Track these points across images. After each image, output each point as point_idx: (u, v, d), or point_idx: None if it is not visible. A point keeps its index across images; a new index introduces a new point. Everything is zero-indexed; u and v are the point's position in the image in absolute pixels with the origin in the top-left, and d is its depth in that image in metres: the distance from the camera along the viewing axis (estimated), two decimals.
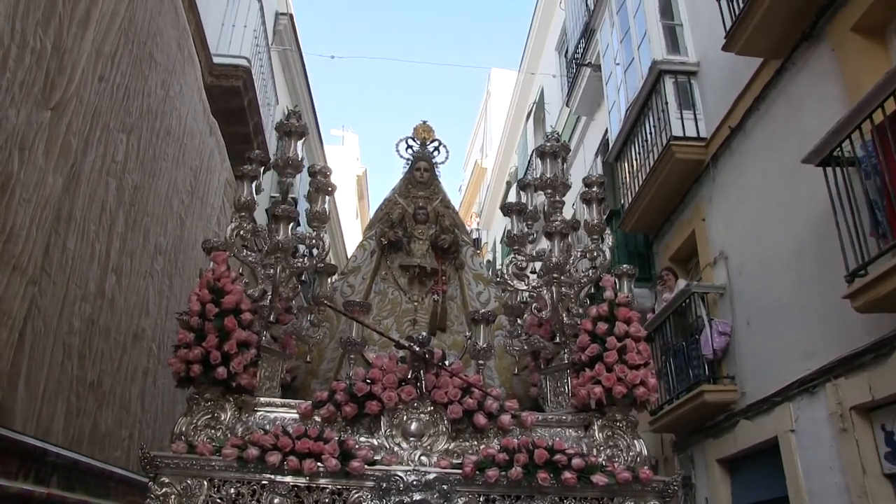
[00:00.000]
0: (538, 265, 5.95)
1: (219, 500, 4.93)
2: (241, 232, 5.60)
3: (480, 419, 5.28)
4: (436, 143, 7.13)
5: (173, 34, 8.06)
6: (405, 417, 5.31)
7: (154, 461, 4.94)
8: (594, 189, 5.86)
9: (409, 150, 7.10)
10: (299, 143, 5.76)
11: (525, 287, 5.89)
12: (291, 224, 5.58)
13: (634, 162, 12.66)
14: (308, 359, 6.06)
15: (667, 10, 12.42)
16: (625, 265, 5.86)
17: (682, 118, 11.25)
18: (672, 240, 12.53)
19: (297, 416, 5.34)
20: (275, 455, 4.92)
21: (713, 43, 10.21)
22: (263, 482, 4.96)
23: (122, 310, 6.97)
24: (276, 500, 4.93)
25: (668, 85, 11.52)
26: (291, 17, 17.23)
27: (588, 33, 16.11)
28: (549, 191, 5.90)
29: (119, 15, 6.30)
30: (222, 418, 5.23)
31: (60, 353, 5.83)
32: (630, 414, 5.42)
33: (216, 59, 11.16)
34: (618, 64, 13.59)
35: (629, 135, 12.76)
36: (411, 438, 5.27)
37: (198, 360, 5.09)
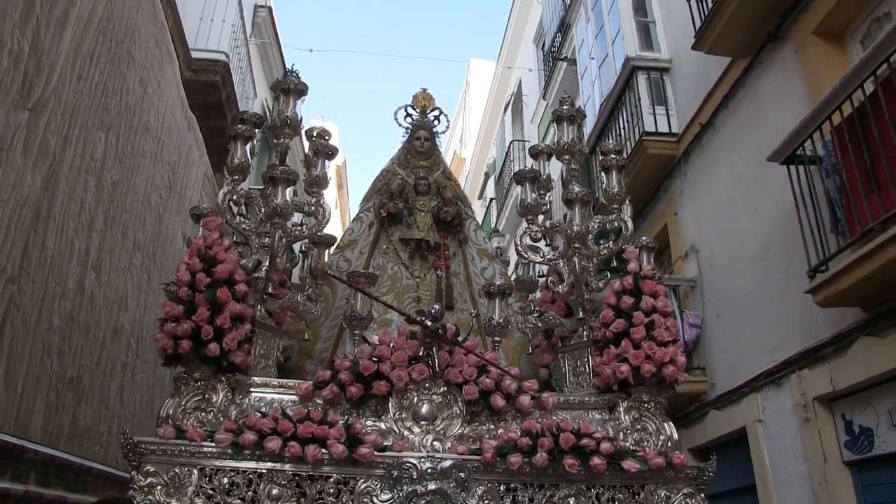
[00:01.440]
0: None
1: (210, 491, 4.14)
2: (234, 197, 4.83)
3: (498, 401, 4.55)
4: (436, 112, 6.41)
5: (151, 31, 7.68)
6: (416, 399, 4.56)
7: (138, 448, 4.14)
8: (613, 156, 5.17)
9: (408, 119, 6.38)
10: (299, 103, 5.02)
11: (540, 259, 5.18)
12: (290, 188, 4.83)
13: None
14: (305, 336, 5.30)
15: (640, 6, 12.15)
16: (644, 238, 5.17)
17: (654, 114, 11.01)
18: (645, 233, 11.84)
19: (296, 397, 4.58)
20: (274, 440, 4.16)
21: (685, 40, 9.99)
22: (261, 471, 4.19)
23: (102, 306, 6.59)
24: (274, 491, 4.16)
25: (641, 81, 11.24)
26: (270, 9, 16.52)
27: (564, 28, 15.71)
28: (566, 157, 5.22)
29: (97, 14, 5.99)
30: (214, 400, 4.43)
31: (40, 351, 5.53)
32: (657, 395, 4.74)
33: (194, 54, 10.77)
34: (592, 59, 13.23)
35: (603, 129, 12.33)
36: (422, 422, 4.52)
37: (187, 336, 4.30)
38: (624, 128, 11.53)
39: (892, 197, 5.87)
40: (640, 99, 11.08)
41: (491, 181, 23.81)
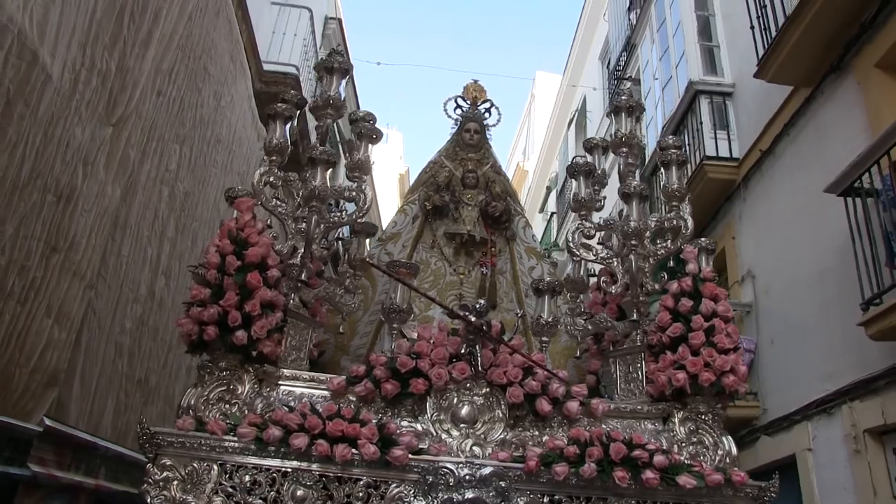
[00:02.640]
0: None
1: (230, 489, 3.67)
2: (272, 178, 4.37)
3: (544, 405, 4.02)
4: (487, 104, 5.89)
5: (226, 47, 7.74)
6: (455, 400, 4.05)
7: (154, 438, 3.68)
8: (672, 151, 4.64)
9: (458, 111, 5.87)
10: (342, 83, 4.56)
11: (593, 257, 4.65)
12: (330, 171, 4.36)
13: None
14: (340, 330, 4.79)
15: (705, 30, 11.65)
16: (702, 239, 4.63)
17: (715, 138, 10.51)
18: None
19: (327, 392, 4.09)
20: (301, 437, 3.68)
21: (748, 66, 9.50)
22: (286, 469, 3.71)
23: (170, 310, 6.61)
24: (299, 492, 3.68)
25: (704, 105, 10.76)
26: (340, 21, 16.15)
27: (629, 47, 15.18)
28: (623, 149, 4.70)
29: (178, 33, 6.09)
30: (239, 391, 3.97)
31: (112, 352, 5.69)
32: (715, 406, 4.19)
33: (266, 67, 10.65)
34: (656, 80, 12.72)
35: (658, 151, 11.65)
36: (462, 425, 4.00)
37: (213, 321, 3.87)
38: (685, 151, 10.89)
39: None
40: (702, 123, 10.62)
41: (553, 195, 23.11)
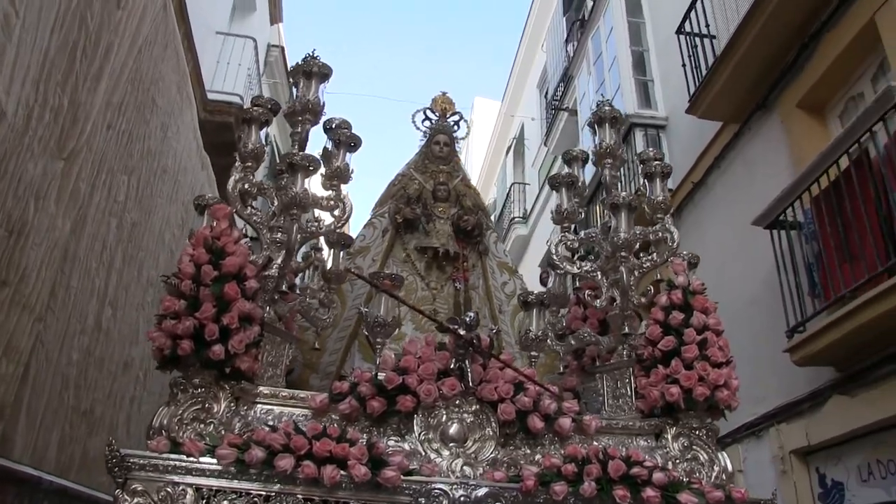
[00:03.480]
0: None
1: None
2: (246, 185, 4.07)
3: (536, 422, 3.79)
4: (456, 117, 5.67)
5: (174, 78, 7.61)
6: (444, 417, 3.79)
7: (125, 462, 3.34)
8: (656, 162, 4.48)
9: (427, 123, 5.64)
10: (321, 87, 4.29)
11: (577, 270, 4.45)
12: (310, 177, 4.07)
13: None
14: (316, 345, 4.49)
15: (640, 65, 11.81)
16: (686, 252, 4.48)
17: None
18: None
19: (307, 411, 3.79)
20: (286, 459, 3.36)
21: (681, 101, 9.68)
22: (268, 493, 3.39)
23: (116, 340, 6.46)
24: None
25: (639, 137, 10.88)
26: (283, 49, 15.84)
27: (567, 79, 15.22)
28: (608, 160, 4.53)
29: (128, 66, 6.01)
30: (215, 410, 3.64)
31: (59, 384, 5.47)
32: (709, 421, 4.03)
33: (210, 96, 10.52)
34: (589, 126, 12.53)
35: (601, 180, 11.64)
36: (451, 444, 3.74)
37: (188, 335, 3.53)
38: (620, 181, 10.90)
39: (862, 267, 5.94)
40: (636, 154, 10.52)
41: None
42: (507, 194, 20.03)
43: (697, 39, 9.29)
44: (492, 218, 21.85)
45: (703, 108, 8.92)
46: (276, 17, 15.67)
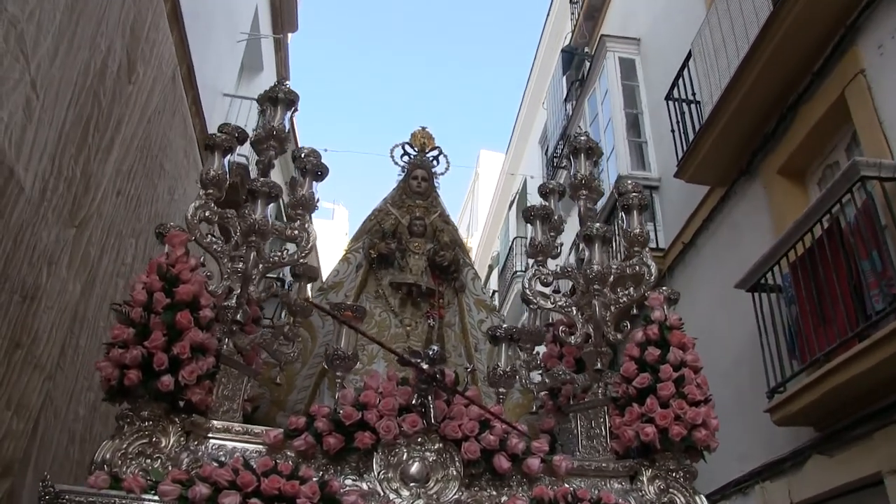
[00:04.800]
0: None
1: None
2: (207, 213, 3.87)
3: (503, 462, 3.51)
4: (435, 152, 5.46)
5: (181, 144, 7.74)
6: (405, 456, 3.52)
7: (59, 499, 3.09)
8: (633, 195, 4.26)
9: (405, 157, 5.44)
10: (287, 115, 4.11)
11: (551, 305, 4.20)
12: (271, 204, 3.87)
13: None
14: (278, 380, 4.23)
15: (634, 126, 11.69)
16: (664, 288, 4.23)
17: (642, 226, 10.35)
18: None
19: (262, 447, 3.52)
20: (232, 496, 3.10)
21: (672, 163, 9.57)
22: None
23: None
24: None
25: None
26: None
27: (566, 137, 14.89)
28: (584, 192, 4.31)
29: (137, 136, 6.19)
30: (162, 444, 3.40)
31: (65, 440, 5.53)
32: (686, 462, 3.75)
33: None
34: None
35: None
36: (412, 484, 3.46)
37: (136, 365, 3.31)
38: (615, 240, 10.85)
39: (836, 331, 5.94)
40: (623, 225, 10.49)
41: (495, 273, 22.66)
42: (510, 248, 19.81)
43: (685, 105, 9.33)
44: (496, 270, 21.90)
45: (690, 172, 8.92)
46: (282, 76, 15.64)
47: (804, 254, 6.51)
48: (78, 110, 5.06)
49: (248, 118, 11.60)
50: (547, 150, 17.72)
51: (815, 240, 6.33)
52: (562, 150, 15.07)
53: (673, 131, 9.48)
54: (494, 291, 20.80)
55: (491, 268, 23.86)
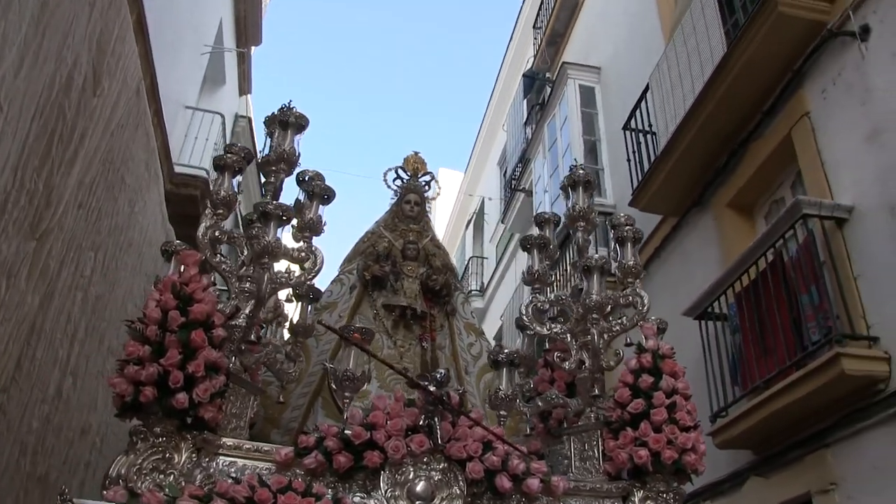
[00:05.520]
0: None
1: None
2: (217, 233, 3.92)
3: (504, 482, 3.60)
4: (428, 178, 5.59)
5: (143, 157, 7.59)
6: (412, 475, 3.58)
7: None
8: (627, 227, 4.43)
9: (398, 182, 5.54)
10: (297, 138, 4.18)
11: (547, 332, 4.33)
12: (282, 227, 3.94)
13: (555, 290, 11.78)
14: (280, 399, 4.28)
15: (592, 153, 11.96)
16: (653, 317, 4.40)
17: (610, 252, 10.59)
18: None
19: (272, 465, 3.56)
20: None
21: (628, 191, 9.92)
22: None
23: (75, 408, 6.36)
24: None
25: None
26: (250, 120, 15.61)
27: (524, 160, 15.27)
28: (581, 223, 4.47)
29: (100, 149, 6.06)
30: (175, 461, 3.40)
31: (17, 452, 5.38)
32: (675, 485, 3.90)
33: (177, 169, 10.35)
34: (546, 193, 12.75)
35: (552, 264, 11.76)
36: (418, 502, 3.51)
37: (152, 381, 3.32)
38: (569, 266, 11.22)
39: (775, 360, 6.31)
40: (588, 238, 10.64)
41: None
42: (466, 267, 19.93)
43: (641, 136, 9.59)
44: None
45: (644, 201, 9.21)
46: (245, 88, 15.62)
47: (749, 285, 6.88)
48: (42, 123, 5.01)
49: (209, 131, 11.66)
50: (506, 171, 17.90)
51: (760, 272, 6.71)
52: (520, 172, 15.24)
53: (629, 160, 9.74)
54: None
55: None
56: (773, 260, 6.55)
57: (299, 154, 4.15)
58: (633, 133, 9.80)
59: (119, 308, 7.26)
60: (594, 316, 4.05)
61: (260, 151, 4.50)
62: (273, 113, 4.22)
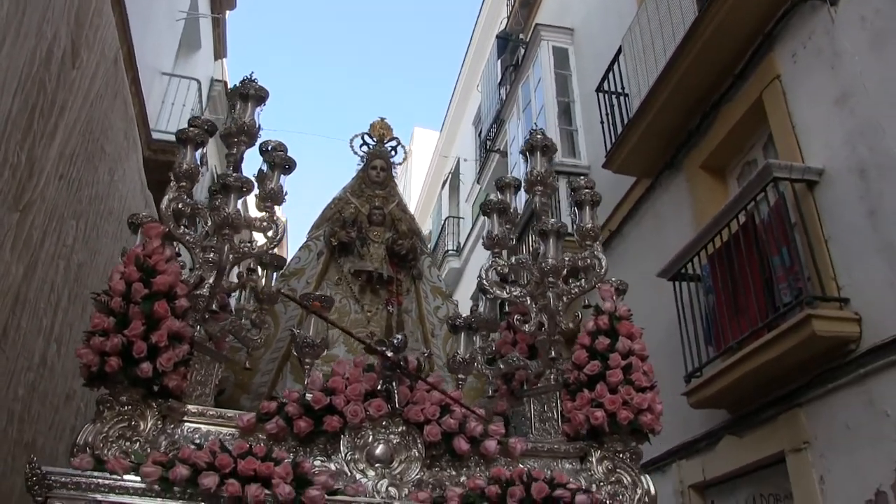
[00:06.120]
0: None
1: None
2: (180, 205, 3.96)
3: (462, 444, 3.69)
4: (394, 143, 5.58)
5: (121, 126, 7.62)
6: (371, 438, 3.67)
7: (45, 480, 3.17)
8: (586, 191, 4.49)
9: (364, 147, 5.55)
10: (257, 110, 4.21)
11: (507, 295, 4.39)
12: (243, 198, 3.99)
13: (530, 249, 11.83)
14: (247, 365, 4.33)
15: (566, 114, 11.93)
16: (613, 279, 4.46)
17: (572, 215, 10.50)
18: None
19: (235, 430, 3.63)
20: (210, 477, 3.21)
21: (602, 152, 9.86)
22: None
23: (59, 375, 6.45)
24: None
25: (562, 185, 10.92)
26: (225, 84, 15.48)
27: (499, 121, 15.20)
28: (538, 188, 4.51)
29: (80, 120, 6.12)
30: (141, 428, 3.47)
31: (3, 420, 5.48)
32: (633, 444, 3.99)
33: (155, 135, 10.34)
34: (521, 154, 12.60)
35: (526, 225, 11.85)
36: (377, 464, 3.62)
37: (116, 352, 3.39)
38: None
39: (748, 321, 6.36)
40: (559, 202, 10.82)
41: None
42: (442, 227, 19.89)
43: (615, 98, 9.58)
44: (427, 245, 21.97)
45: (617, 163, 9.22)
46: (220, 53, 15.56)
47: (721, 247, 6.91)
48: (24, 98, 5.06)
49: (186, 97, 11.68)
50: (481, 132, 17.83)
51: (732, 234, 6.73)
52: (495, 133, 15.21)
53: (602, 123, 9.73)
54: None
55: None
56: (745, 222, 6.59)
57: (259, 126, 4.19)
58: (606, 95, 9.79)
59: (101, 276, 7.25)
60: (550, 279, 4.10)
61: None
62: (234, 85, 4.24)
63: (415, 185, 28.13)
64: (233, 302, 4.54)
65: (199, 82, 12.26)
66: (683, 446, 7.64)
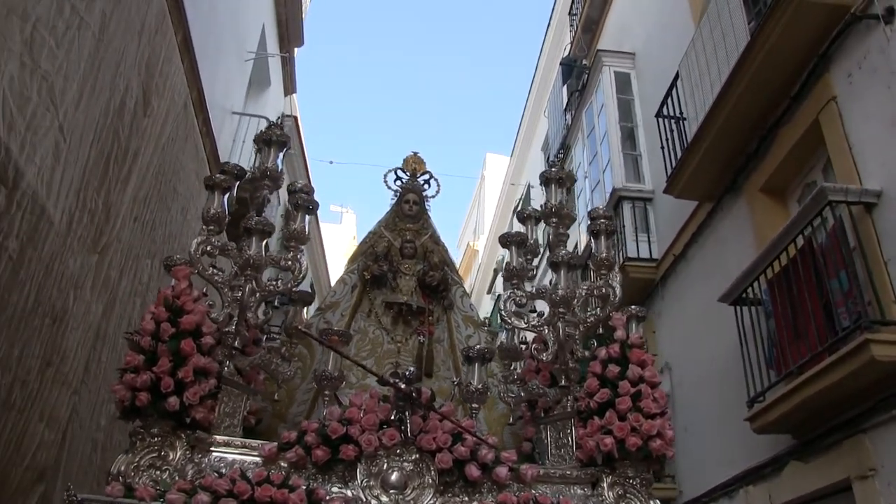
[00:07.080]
0: (537, 306, 4.65)
1: None
2: (209, 247, 4.20)
3: (473, 471, 3.80)
4: (426, 176, 5.70)
5: (193, 167, 8.05)
6: (385, 466, 3.82)
7: None
8: (602, 221, 4.55)
9: (398, 182, 5.69)
10: (280, 155, 4.44)
11: (524, 325, 4.49)
12: (266, 240, 4.21)
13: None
14: (276, 397, 4.54)
15: (629, 139, 11.84)
16: (633, 307, 4.51)
17: (637, 240, 10.75)
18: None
19: (259, 459, 3.85)
20: (229, 503, 3.46)
21: (665, 176, 9.71)
22: None
23: None
24: None
25: (626, 209, 10.95)
26: (296, 118, 15.70)
27: (565, 147, 15.12)
28: (553, 220, 4.61)
29: (153, 164, 6.51)
30: (170, 458, 3.73)
31: (89, 448, 5.96)
32: (644, 471, 4.03)
33: None
34: (587, 179, 12.73)
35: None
36: (392, 491, 3.76)
37: (146, 387, 3.64)
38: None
39: (808, 345, 6.19)
40: (624, 226, 10.75)
41: (500, 278, 22.68)
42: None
43: (674, 123, 9.47)
44: (500, 274, 21.78)
45: (678, 188, 9.13)
46: (289, 89, 15.73)
47: (780, 271, 6.76)
48: (99, 147, 5.39)
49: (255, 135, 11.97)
50: (549, 157, 17.81)
51: (790, 258, 6.59)
52: (562, 158, 15.16)
53: (662, 148, 9.65)
54: (499, 295, 20.76)
55: (496, 272, 23.77)
56: (803, 246, 6.46)
57: (282, 170, 4.40)
58: (665, 120, 9.69)
59: None
60: (560, 310, 4.19)
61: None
62: (259, 132, 4.48)
63: (488, 210, 28.01)
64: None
65: (268, 119, 12.40)
66: (750, 471, 7.49)
